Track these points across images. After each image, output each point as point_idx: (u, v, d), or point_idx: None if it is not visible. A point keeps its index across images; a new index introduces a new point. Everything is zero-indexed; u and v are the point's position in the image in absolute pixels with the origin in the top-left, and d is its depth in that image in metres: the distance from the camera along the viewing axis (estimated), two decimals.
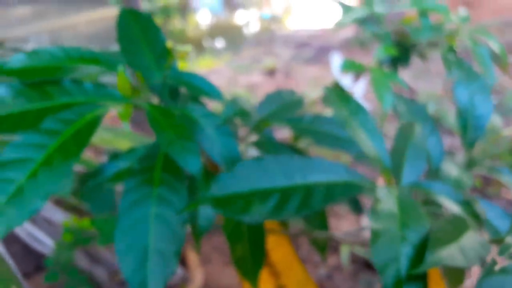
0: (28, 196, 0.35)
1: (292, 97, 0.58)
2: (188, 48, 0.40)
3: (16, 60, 0.43)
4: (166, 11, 4.24)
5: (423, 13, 0.92)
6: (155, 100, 0.47)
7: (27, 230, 0.87)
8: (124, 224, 0.39)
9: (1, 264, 0.58)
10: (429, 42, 0.90)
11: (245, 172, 0.39)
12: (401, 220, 0.36)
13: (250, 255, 0.50)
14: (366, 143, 0.43)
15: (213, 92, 0.46)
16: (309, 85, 2.43)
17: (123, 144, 0.80)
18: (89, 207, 0.75)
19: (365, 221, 1.20)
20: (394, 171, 0.44)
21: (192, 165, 0.38)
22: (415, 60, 0.97)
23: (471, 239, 0.35)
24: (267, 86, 2.45)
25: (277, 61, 3.14)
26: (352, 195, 0.41)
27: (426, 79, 2.62)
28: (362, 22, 0.94)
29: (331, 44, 3.70)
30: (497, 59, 0.87)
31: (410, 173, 0.44)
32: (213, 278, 0.97)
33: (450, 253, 0.33)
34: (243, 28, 4.66)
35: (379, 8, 0.95)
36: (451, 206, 0.41)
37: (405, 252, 0.34)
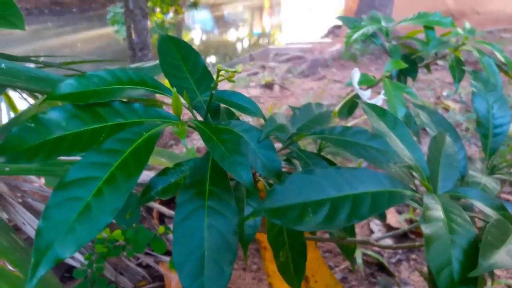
0: (96, 212, 0.36)
1: (320, 110, 0.60)
2: (239, 68, 0.42)
3: (67, 85, 0.45)
4: (162, 28, 4.35)
5: (429, 27, 0.95)
6: (198, 117, 0.49)
7: None
8: (180, 235, 0.40)
9: (50, 276, 0.59)
10: (436, 55, 0.94)
11: (296, 184, 0.41)
12: (448, 226, 0.38)
13: (292, 262, 0.51)
14: (406, 153, 0.46)
15: (255, 110, 0.48)
16: (308, 98, 2.46)
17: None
18: (116, 219, 0.76)
19: (376, 226, 1.22)
20: (431, 179, 0.46)
21: (245, 177, 0.40)
22: None
23: None
24: (266, 99, 2.48)
25: (272, 74, 3.18)
26: (396, 203, 0.43)
27: (417, 89, 2.67)
28: (370, 36, 0.97)
29: (324, 57, 3.76)
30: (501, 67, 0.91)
31: (446, 181, 0.47)
32: (234, 283, 0.98)
33: (501, 257, 0.35)
34: (235, 44, 4.72)
35: (386, 24, 0.98)
36: (488, 211, 0.44)
37: (456, 256, 0.36)
